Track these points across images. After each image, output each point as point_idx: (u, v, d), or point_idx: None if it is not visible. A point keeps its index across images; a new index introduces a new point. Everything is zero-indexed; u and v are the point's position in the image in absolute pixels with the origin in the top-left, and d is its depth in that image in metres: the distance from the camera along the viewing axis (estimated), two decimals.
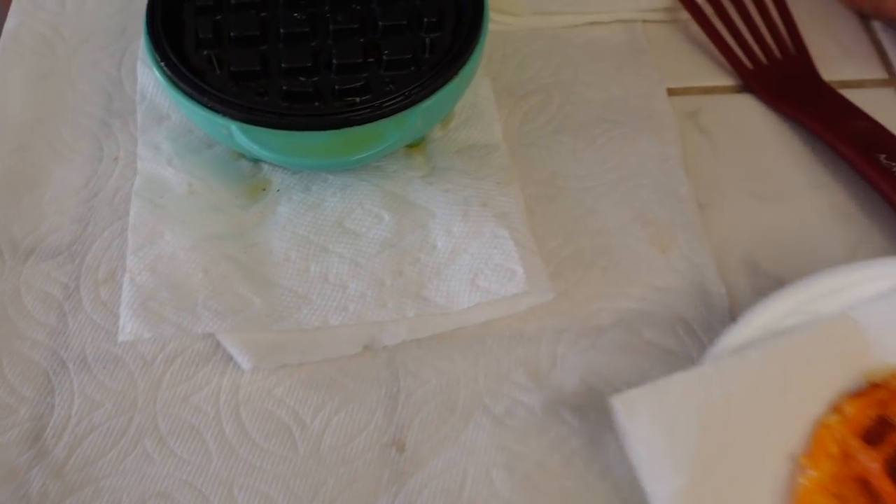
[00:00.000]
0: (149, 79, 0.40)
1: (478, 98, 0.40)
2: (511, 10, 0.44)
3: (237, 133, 0.33)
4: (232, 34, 0.36)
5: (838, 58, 0.43)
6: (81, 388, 0.32)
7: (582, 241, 0.36)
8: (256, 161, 0.38)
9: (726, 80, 0.42)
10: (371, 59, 0.36)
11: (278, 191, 0.37)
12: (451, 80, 0.35)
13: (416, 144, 0.39)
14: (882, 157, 0.37)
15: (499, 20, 0.44)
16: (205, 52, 0.36)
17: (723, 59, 0.42)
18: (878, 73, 0.43)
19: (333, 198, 0.37)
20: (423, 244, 0.35)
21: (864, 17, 0.45)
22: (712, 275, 0.35)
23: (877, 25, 0.45)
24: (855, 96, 0.40)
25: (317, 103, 0.34)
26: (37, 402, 0.32)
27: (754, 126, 0.40)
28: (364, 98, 0.35)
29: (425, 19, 0.37)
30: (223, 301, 0.33)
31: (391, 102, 0.34)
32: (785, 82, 0.41)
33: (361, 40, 0.37)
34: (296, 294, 0.34)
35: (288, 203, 0.37)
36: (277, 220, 0.36)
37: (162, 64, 0.35)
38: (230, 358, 0.33)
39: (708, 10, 0.44)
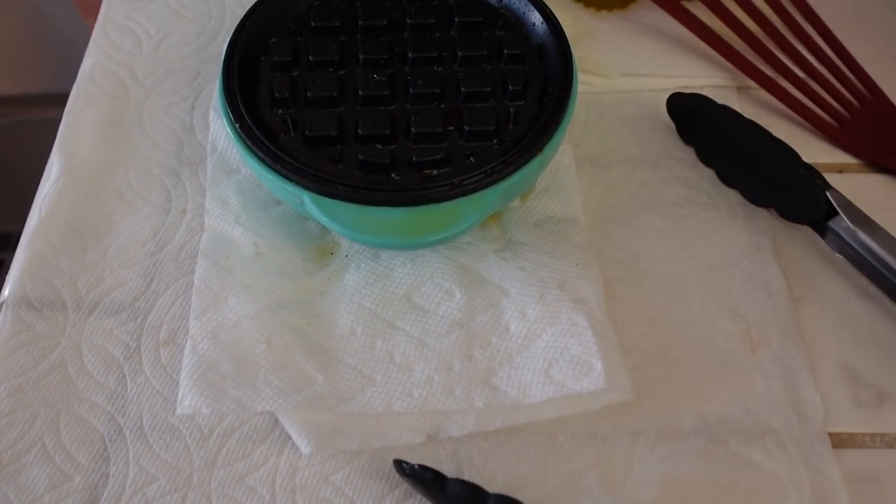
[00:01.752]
0: (221, 129, 0.39)
1: (559, 166, 0.38)
2: (598, 71, 0.42)
3: (309, 203, 0.32)
4: (308, 94, 0.35)
5: None
6: (137, 459, 0.31)
7: (666, 332, 0.34)
8: None
9: (824, 157, 0.39)
10: (452, 128, 0.34)
11: (346, 256, 0.36)
12: (535, 156, 0.33)
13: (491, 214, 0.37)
14: None
15: (584, 80, 0.41)
16: (279, 112, 0.35)
17: (809, 125, 0.40)
18: None
19: (403, 268, 0.35)
20: (495, 326, 0.34)
21: None
22: (806, 381, 0.32)
23: None
24: None
25: (393, 175, 0.33)
26: (92, 470, 0.31)
27: None
28: (442, 171, 0.33)
29: (510, 87, 0.35)
30: (285, 376, 0.32)
31: (471, 180, 0.32)
32: (875, 128, 0.39)
33: (442, 106, 0.35)
34: (360, 373, 0.33)
35: (356, 271, 0.35)
36: (344, 289, 0.35)
37: (236, 125, 0.33)
38: (287, 437, 0.32)
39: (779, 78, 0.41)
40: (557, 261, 0.35)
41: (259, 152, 0.33)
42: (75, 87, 0.42)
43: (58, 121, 0.41)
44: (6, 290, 0.35)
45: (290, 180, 0.32)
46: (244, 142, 0.33)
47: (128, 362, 0.34)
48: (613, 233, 0.37)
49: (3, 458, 0.31)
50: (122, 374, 0.33)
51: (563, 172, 0.38)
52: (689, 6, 0.43)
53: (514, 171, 0.32)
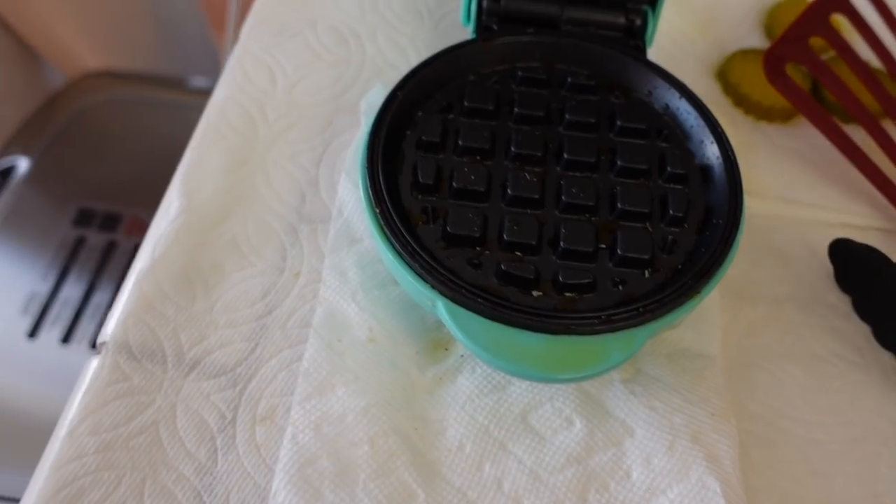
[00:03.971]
0: (350, 196, 0.37)
1: None
2: (754, 190, 0.39)
3: (442, 310, 0.30)
4: (454, 185, 0.33)
5: None
6: None
7: None
8: None
9: None
10: (603, 246, 0.32)
11: (462, 356, 0.34)
12: (692, 298, 0.30)
13: None
14: None
15: None
16: (419, 197, 0.33)
17: None
18: None
19: (521, 383, 0.33)
20: (615, 469, 0.31)
21: None
22: None
23: None
24: None
25: (533, 292, 0.30)
26: None
27: None
28: (586, 296, 0.30)
29: (670, 211, 0.32)
30: (385, 486, 0.30)
31: (622, 315, 0.29)
32: None
33: (594, 220, 0.32)
34: (464, 497, 0.30)
35: (471, 375, 0.33)
36: (456, 395, 0.33)
37: (376, 210, 0.31)
38: None
39: None
40: (692, 406, 0.32)
41: (398, 246, 0.30)
42: (204, 119, 0.40)
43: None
44: (108, 331, 0.34)
45: (427, 282, 0.30)
46: (383, 231, 0.31)
47: (221, 434, 0.32)
48: (752, 380, 0.34)
49: None
50: (213, 447, 0.32)
51: (705, 302, 0.35)
52: (850, 129, 0.39)
53: (669, 311, 0.30)
